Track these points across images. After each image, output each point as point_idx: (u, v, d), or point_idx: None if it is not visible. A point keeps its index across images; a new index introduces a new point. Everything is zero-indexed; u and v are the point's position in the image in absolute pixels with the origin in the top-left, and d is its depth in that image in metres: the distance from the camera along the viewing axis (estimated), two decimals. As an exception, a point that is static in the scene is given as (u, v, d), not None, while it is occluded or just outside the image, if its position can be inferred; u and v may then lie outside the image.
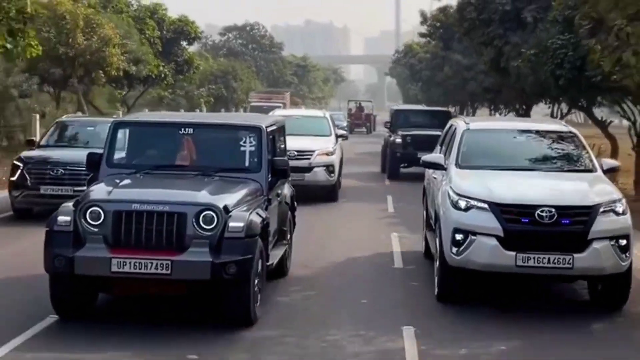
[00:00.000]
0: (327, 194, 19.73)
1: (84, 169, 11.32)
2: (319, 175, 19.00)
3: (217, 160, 10.12)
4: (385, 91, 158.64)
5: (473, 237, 9.79)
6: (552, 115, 31.29)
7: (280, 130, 11.57)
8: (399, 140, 23.81)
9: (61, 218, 8.63)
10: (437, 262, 10.90)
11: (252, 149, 9.86)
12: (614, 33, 13.46)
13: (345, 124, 44.12)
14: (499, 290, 11.02)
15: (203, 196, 9.02)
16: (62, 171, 14.89)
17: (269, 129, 10.50)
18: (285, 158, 11.03)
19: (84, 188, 11.62)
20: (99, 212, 8.58)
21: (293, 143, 17.88)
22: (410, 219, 15.61)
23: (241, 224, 8.65)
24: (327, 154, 19.18)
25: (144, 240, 8.60)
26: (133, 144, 10.34)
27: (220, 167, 9.95)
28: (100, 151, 10.19)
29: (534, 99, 29.53)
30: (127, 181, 9.68)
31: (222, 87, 57.50)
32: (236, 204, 9.12)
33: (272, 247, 10.46)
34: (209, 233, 8.58)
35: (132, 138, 10.38)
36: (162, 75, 36.74)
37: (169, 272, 8.39)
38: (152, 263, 8.31)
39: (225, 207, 8.82)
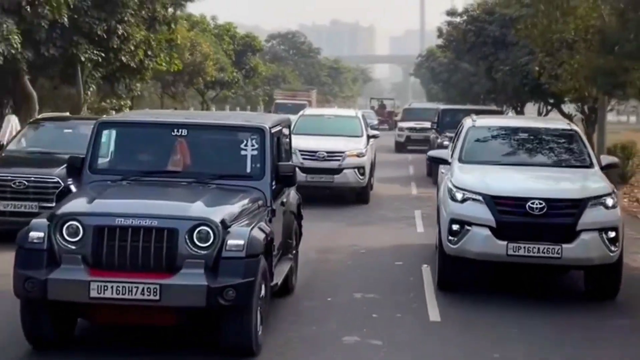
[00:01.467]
0: (357, 196, 19.45)
1: (54, 180, 11.31)
2: (349, 177, 18.56)
3: (214, 165, 9.17)
4: (410, 90, 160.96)
5: (468, 228, 10.38)
6: (538, 112, 38.15)
7: (286, 130, 10.74)
8: (446, 142, 22.03)
9: (33, 234, 7.67)
10: (437, 252, 11.54)
11: (255, 152, 8.90)
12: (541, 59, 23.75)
13: (376, 122, 44.41)
14: (504, 282, 11.62)
15: (198, 208, 8.00)
16: (26, 184, 12.65)
17: (273, 130, 9.56)
18: (292, 163, 10.45)
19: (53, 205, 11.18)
20: (78, 227, 7.59)
21: (323, 144, 18.08)
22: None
23: (241, 242, 7.70)
24: (357, 155, 18.69)
25: (129, 260, 7.61)
26: (120, 147, 9.35)
27: (218, 173, 8.99)
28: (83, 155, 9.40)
29: (522, 99, 38.27)
30: (111, 190, 8.69)
31: (274, 88, 67.00)
32: (236, 218, 8.17)
33: (276, 263, 9.47)
34: (205, 252, 7.63)
35: (119, 140, 9.39)
36: (235, 80, 48.18)
37: (157, 297, 7.45)
38: (137, 287, 7.33)
39: (223, 222, 7.87)
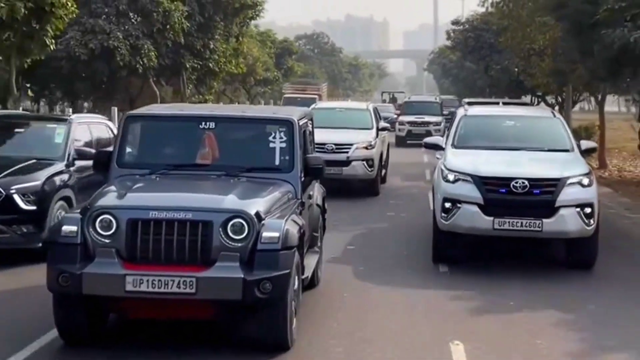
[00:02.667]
0: (367, 188, 19.58)
1: None
2: (358, 169, 18.66)
3: (242, 158, 9.07)
4: (424, 84, 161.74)
5: (459, 205, 11.45)
6: (530, 102, 42.67)
7: (310, 123, 10.57)
8: None
9: (66, 228, 7.64)
10: (433, 228, 12.62)
11: (283, 145, 8.84)
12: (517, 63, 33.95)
13: (394, 116, 43.38)
14: (498, 256, 12.71)
15: (231, 201, 7.95)
16: None
17: (301, 122, 9.61)
18: (319, 155, 10.51)
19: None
20: (111, 221, 7.56)
21: (331, 136, 17.94)
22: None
23: (276, 234, 7.62)
24: (366, 148, 18.83)
25: (164, 253, 7.56)
26: (147, 140, 9.28)
27: (247, 166, 8.92)
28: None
29: (513, 93, 44.70)
30: (142, 184, 8.67)
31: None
32: (269, 210, 8.11)
33: (305, 257, 9.50)
34: (239, 244, 7.56)
35: (147, 134, 9.33)
36: (277, 78, 57.44)
37: (193, 290, 7.35)
38: (173, 280, 7.27)
39: (257, 214, 7.80)
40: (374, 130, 20.62)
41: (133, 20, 27.44)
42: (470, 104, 32.54)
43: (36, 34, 18.40)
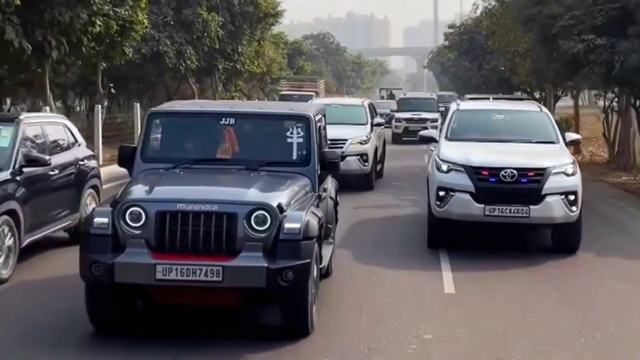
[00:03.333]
0: (362, 182, 19.16)
1: None
2: (352, 164, 18.36)
3: (261, 153, 9.17)
4: (425, 81, 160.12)
5: (452, 194, 11.95)
6: (521, 98, 45.39)
7: (323, 119, 10.68)
8: None
9: (97, 220, 7.76)
10: (428, 216, 12.93)
11: (300, 140, 9.00)
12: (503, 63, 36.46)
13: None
14: (494, 242, 13.19)
15: (254, 194, 8.07)
16: None
17: (317, 118, 9.68)
18: (336, 150, 10.67)
19: None
20: (140, 213, 7.70)
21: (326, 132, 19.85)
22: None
23: (298, 225, 7.76)
24: (360, 143, 18.60)
25: (191, 244, 7.68)
26: (170, 136, 9.34)
27: (265, 160, 8.99)
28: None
29: (503, 89, 46.07)
30: (168, 178, 8.77)
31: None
32: (289, 203, 8.17)
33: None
34: (262, 235, 7.68)
35: (169, 129, 9.36)
36: (289, 77, 63.47)
37: (220, 279, 7.49)
38: (201, 269, 7.44)
39: (279, 206, 7.89)
40: (369, 125, 20.46)
41: (177, 28, 31.00)
42: (472, 99, 30.51)
43: (118, 45, 22.99)
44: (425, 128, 32.39)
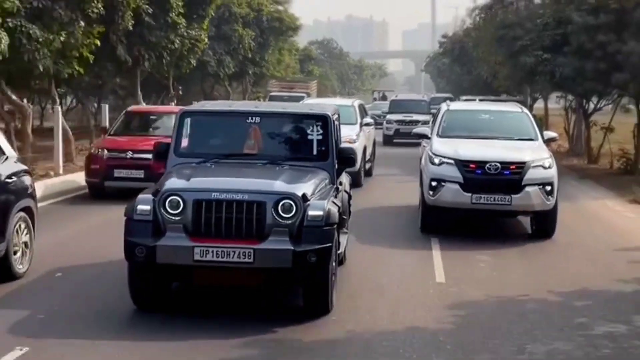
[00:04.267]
0: (351, 180, 19.53)
1: None
2: None
3: (284, 149, 9.58)
4: (422, 83, 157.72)
5: (443, 184, 12.62)
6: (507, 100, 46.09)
7: (338, 118, 10.61)
8: None
9: (140, 207, 8.08)
10: (420, 204, 13.54)
11: (320, 137, 9.36)
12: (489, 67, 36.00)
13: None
14: (479, 229, 13.71)
15: (280, 185, 8.34)
16: None
17: (334, 117, 9.84)
18: (350, 146, 10.91)
19: None
20: (179, 201, 8.01)
21: None
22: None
23: (320, 213, 8.05)
24: (349, 142, 17.81)
25: (224, 229, 7.98)
26: (200, 133, 9.64)
27: (288, 155, 9.36)
28: None
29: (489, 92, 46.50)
30: (201, 170, 8.99)
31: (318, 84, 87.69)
32: (312, 193, 8.40)
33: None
34: (288, 222, 7.98)
35: (199, 127, 9.67)
36: (300, 80, 64.11)
37: (251, 260, 7.84)
38: (234, 251, 7.83)
39: (304, 196, 8.16)
40: (358, 125, 20.35)
41: (217, 41, 36.35)
42: (466, 100, 30.74)
43: (186, 57, 28.75)
44: None
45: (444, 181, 12.78)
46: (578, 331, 8.32)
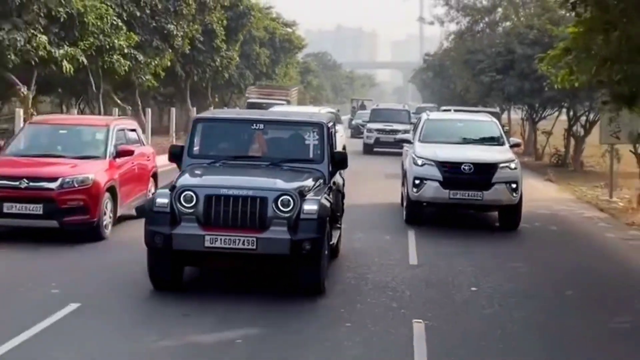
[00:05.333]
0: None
1: None
2: None
3: (285, 152, 9.98)
4: (410, 93, 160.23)
5: (425, 182, 13.53)
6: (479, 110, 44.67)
7: (334, 125, 10.89)
8: None
9: (159, 200, 8.68)
10: (405, 200, 14.12)
11: (316, 142, 9.92)
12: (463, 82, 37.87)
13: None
14: (456, 222, 14.30)
15: (280, 183, 8.85)
16: None
17: (329, 125, 10.10)
18: (344, 150, 10.87)
19: None
20: (192, 196, 8.57)
21: None
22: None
23: (315, 207, 8.59)
24: None
25: (231, 220, 8.51)
26: (211, 137, 10.09)
27: (288, 158, 9.76)
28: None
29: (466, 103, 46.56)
30: (212, 170, 9.46)
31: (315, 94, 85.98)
32: (308, 190, 8.88)
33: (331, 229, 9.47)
34: (286, 215, 8.49)
35: (210, 132, 10.13)
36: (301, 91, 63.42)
37: (254, 247, 8.42)
38: (240, 239, 8.45)
39: (301, 193, 8.64)
40: None
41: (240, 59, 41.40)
42: (444, 110, 28.88)
43: (221, 72, 34.33)
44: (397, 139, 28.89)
45: (426, 179, 13.70)
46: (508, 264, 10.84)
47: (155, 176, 14.45)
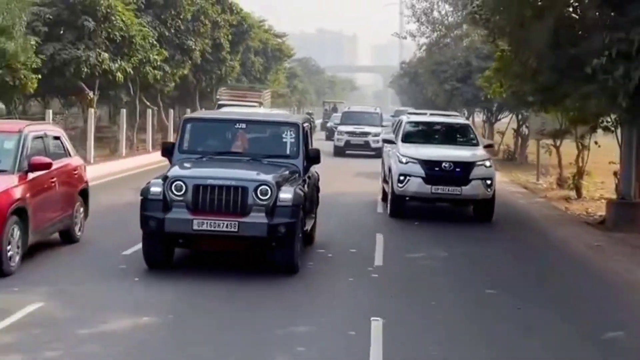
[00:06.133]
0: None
1: None
2: None
3: (264, 148, 10.50)
4: (389, 97, 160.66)
5: (409, 178, 13.93)
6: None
7: (310, 125, 11.39)
8: None
9: (153, 189, 9.10)
10: (390, 194, 14.09)
11: (292, 140, 10.56)
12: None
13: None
14: (432, 215, 14.47)
15: (259, 175, 9.38)
16: None
17: (305, 125, 10.61)
18: (317, 147, 10.84)
19: None
20: (182, 185, 9.10)
21: None
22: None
23: (289, 196, 9.13)
24: None
25: (216, 206, 9.03)
26: (198, 135, 10.64)
27: (267, 154, 10.23)
28: None
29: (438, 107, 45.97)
30: (199, 163, 9.93)
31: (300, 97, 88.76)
32: (284, 181, 9.38)
33: (305, 218, 9.89)
34: (265, 202, 9.05)
35: (198, 131, 10.68)
36: (289, 94, 70.30)
37: (236, 230, 8.94)
38: (223, 223, 9.03)
39: (277, 183, 9.14)
40: None
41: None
42: (414, 113, 25.72)
43: (224, 79, 37.02)
44: (367, 142, 30.06)
45: (410, 176, 14.12)
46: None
47: (85, 194, 11.43)
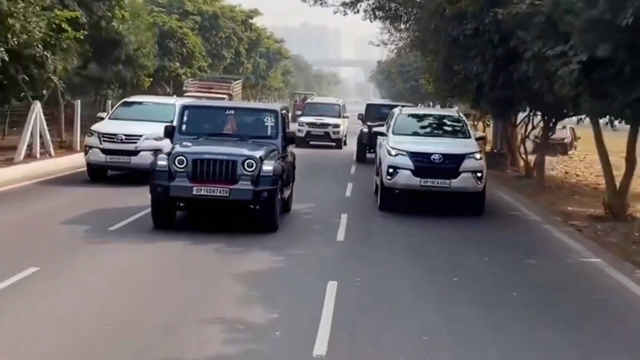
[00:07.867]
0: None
1: None
2: (146, 158, 13.49)
3: (250, 131, 11.10)
4: (371, 90, 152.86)
5: (398, 170, 12.20)
6: (441, 107, 45.53)
7: (286, 112, 11.98)
8: (365, 129, 25.73)
9: (160, 162, 9.86)
10: (379, 187, 12.23)
11: (272, 124, 11.31)
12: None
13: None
14: (426, 208, 12.71)
15: (246, 151, 9.90)
16: None
17: (282, 111, 11.14)
18: (292, 130, 11.68)
19: None
20: (183, 159, 9.92)
21: (123, 128, 15.91)
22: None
23: (270, 168, 9.80)
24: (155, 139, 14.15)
25: (211, 176, 9.79)
26: (195, 120, 11.36)
27: (252, 135, 10.81)
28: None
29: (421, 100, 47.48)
30: (197, 142, 10.37)
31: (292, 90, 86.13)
32: (266, 156, 9.92)
33: (283, 188, 10.41)
34: (250, 173, 9.79)
35: (195, 116, 11.42)
36: (281, 87, 75.28)
37: (227, 195, 9.74)
38: (217, 189, 9.93)
39: (261, 158, 9.72)
40: None
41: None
42: (369, 106, 29.28)
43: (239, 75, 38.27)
44: (327, 133, 27.56)
45: (399, 168, 12.39)
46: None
47: None
